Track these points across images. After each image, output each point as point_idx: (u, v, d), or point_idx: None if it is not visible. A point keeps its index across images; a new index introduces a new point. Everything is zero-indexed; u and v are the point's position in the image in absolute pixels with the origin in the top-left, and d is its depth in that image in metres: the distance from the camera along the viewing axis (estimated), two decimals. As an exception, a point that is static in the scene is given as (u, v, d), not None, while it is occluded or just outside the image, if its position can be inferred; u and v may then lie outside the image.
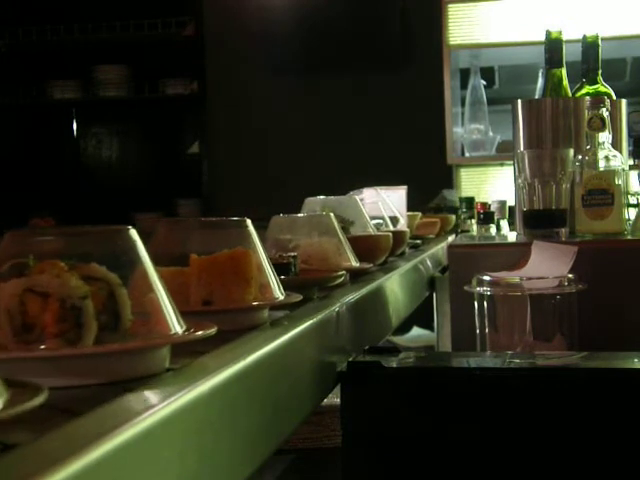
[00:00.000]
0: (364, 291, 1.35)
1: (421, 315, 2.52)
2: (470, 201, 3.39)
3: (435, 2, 4.52)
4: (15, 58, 5.29)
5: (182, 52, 5.11)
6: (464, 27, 4.50)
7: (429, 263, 2.25)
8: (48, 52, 5.26)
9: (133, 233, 0.75)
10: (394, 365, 1.16)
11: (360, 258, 1.49)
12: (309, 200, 1.67)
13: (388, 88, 4.96)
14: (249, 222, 1.03)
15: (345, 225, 1.60)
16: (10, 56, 5.25)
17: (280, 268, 1.12)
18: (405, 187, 2.53)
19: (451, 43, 4.49)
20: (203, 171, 5.16)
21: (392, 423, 1.15)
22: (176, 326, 0.74)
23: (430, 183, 3.59)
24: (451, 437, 1.13)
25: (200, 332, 0.75)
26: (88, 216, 5.07)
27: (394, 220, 2.18)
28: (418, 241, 2.48)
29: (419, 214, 2.72)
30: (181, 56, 5.14)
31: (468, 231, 3.18)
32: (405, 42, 4.94)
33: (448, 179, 4.57)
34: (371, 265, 1.58)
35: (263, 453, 0.80)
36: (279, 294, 1.02)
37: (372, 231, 1.75)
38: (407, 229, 2.18)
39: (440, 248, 2.49)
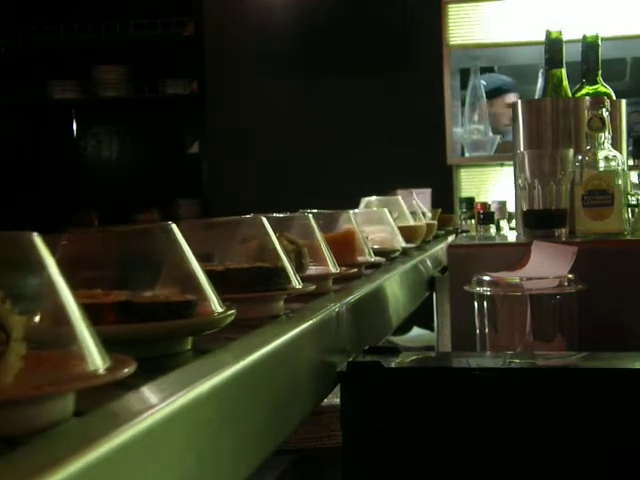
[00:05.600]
0: (364, 291, 1.35)
1: (421, 315, 2.52)
2: (470, 201, 3.39)
3: (435, 2, 4.52)
4: (15, 58, 5.28)
5: (182, 52, 5.11)
6: (464, 27, 4.50)
7: (429, 263, 2.25)
8: (48, 52, 5.26)
9: (311, 217, 1.33)
10: (394, 365, 1.16)
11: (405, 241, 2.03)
12: (364, 199, 2.25)
13: (388, 88, 4.96)
14: (351, 212, 1.63)
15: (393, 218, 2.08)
16: (10, 56, 5.25)
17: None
18: (430, 189, 3.40)
19: (451, 43, 4.49)
20: (203, 171, 5.16)
21: (392, 423, 1.15)
22: (332, 269, 1.30)
23: (430, 183, 3.59)
24: (451, 437, 1.13)
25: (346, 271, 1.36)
26: (87, 215, 5.07)
27: (423, 215, 2.64)
28: (440, 232, 2.95)
29: (439, 210, 3.13)
30: (181, 56, 5.14)
31: (468, 231, 3.18)
32: (405, 42, 4.94)
33: (448, 179, 4.57)
34: (413, 245, 2.15)
35: (263, 453, 0.80)
36: (370, 257, 1.59)
37: (411, 222, 2.28)
38: (434, 222, 2.72)
39: (440, 248, 2.49)
